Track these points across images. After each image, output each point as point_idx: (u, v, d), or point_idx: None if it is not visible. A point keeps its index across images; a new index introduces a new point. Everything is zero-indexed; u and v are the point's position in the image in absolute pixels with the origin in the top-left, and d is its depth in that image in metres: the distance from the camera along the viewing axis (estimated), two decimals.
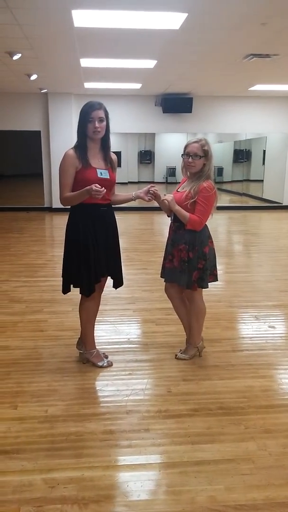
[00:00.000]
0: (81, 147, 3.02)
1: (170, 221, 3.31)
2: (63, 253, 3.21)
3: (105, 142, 3.10)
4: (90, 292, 3.16)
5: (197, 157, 3.06)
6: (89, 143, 3.04)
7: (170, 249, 3.28)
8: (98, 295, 3.33)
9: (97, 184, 2.82)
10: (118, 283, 3.30)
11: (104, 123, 2.99)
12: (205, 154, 3.07)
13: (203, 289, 3.31)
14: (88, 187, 2.84)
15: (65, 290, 3.27)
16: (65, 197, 3.02)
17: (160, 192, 3.14)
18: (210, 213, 3.14)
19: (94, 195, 2.82)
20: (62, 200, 3.04)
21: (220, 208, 3.25)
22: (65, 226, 3.18)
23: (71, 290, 3.26)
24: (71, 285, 3.25)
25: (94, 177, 2.97)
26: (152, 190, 3.08)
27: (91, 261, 3.08)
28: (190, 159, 3.08)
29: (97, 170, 3.01)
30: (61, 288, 3.28)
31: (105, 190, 2.87)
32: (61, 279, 3.27)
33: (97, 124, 2.94)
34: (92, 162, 3.02)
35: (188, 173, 3.18)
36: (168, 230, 3.38)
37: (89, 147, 3.04)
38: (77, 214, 3.10)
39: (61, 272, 3.26)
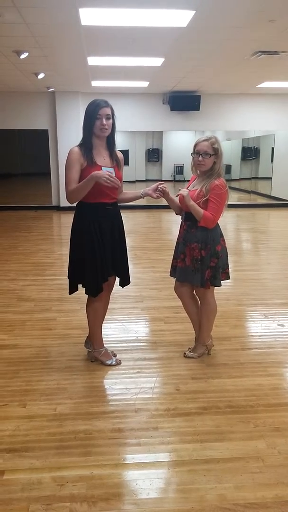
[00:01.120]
0: (86, 145, 3.00)
1: (181, 219, 3.30)
2: (69, 253, 3.21)
3: (110, 140, 3.09)
4: (98, 292, 3.15)
5: (207, 156, 3.05)
6: (95, 141, 3.02)
7: (182, 248, 3.26)
8: (106, 295, 3.33)
9: (109, 170, 2.79)
10: (125, 282, 3.30)
11: (111, 120, 2.98)
12: (215, 152, 3.05)
13: (214, 288, 3.30)
14: (95, 172, 2.79)
15: (72, 290, 3.26)
16: (70, 190, 2.95)
17: (168, 189, 3.13)
18: (222, 210, 3.13)
19: (106, 180, 2.77)
20: (68, 194, 2.97)
21: (229, 206, 3.24)
22: (71, 225, 3.17)
23: (78, 289, 3.26)
24: (78, 285, 3.24)
25: None
26: (160, 187, 3.08)
27: (97, 261, 3.07)
28: (200, 158, 3.06)
29: (102, 167, 3.00)
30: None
31: (118, 182, 2.84)
32: (67, 279, 3.27)
33: (104, 122, 2.94)
34: (97, 160, 3.00)
35: (198, 171, 3.18)
36: (177, 228, 3.37)
37: (94, 145, 3.02)
38: (83, 212, 3.09)
39: (67, 272, 3.25)
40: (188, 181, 3.40)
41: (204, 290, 3.26)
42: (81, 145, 3.01)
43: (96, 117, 2.93)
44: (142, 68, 7.91)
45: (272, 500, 2.06)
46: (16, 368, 3.30)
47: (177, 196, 3.14)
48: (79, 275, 3.17)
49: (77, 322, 4.12)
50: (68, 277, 3.26)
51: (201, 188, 3.08)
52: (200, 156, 3.05)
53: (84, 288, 3.20)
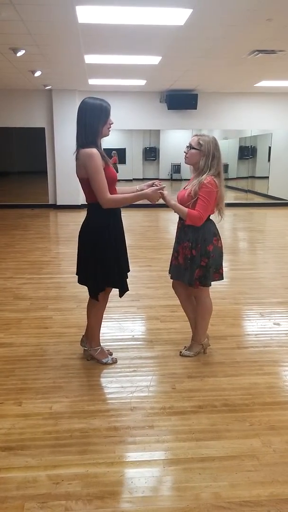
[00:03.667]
0: (97, 146, 2.92)
1: (177, 218, 3.31)
2: (82, 258, 3.11)
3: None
4: (125, 290, 3.18)
5: (189, 148, 3.10)
6: (99, 141, 2.99)
7: (176, 246, 3.29)
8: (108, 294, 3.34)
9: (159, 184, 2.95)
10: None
11: None
12: (199, 147, 3.06)
13: (208, 287, 3.30)
14: (149, 190, 3.00)
15: (99, 291, 3.15)
16: (112, 198, 2.91)
17: (166, 190, 3.13)
18: (212, 208, 3.13)
19: (156, 201, 2.98)
20: (107, 202, 2.90)
21: (225, 205, 3.25)
22: (83, 227, 3.09)
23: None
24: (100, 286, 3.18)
25: (114, 174, 2.99)
26: (156, 184, 3.09)
27: (122, 261, 3.11)
28: (185, 149, 3.15)
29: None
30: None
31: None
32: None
33: (112, 121, 2.97)
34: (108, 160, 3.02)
35: (192, 168, 3.20)
36: (174, 227, 3.38)
37: (99, 145, 2.99)
38: (103, 215, 2.99)
39: (87, 277, 3.13)
40: (187, 180, 3.41)
41: (199, 289, 3.26)
42: (94, 147, 2.90)
43: (108, 116, 2.92)
44: (139, 66, 7.90)
45: (267, 498, 2.06)
46: (12, 366, 3.30)
47: (158, 190, 3.09)
48: (105, 277, 3.09)
49: (73, 320, 4.11)
50: (89, 279, 3.13)
51: (191, 189, 3.09)
52: (186, 147, 3.13)
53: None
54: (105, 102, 2.94)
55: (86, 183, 2.94)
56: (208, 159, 3.07)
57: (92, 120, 2.90)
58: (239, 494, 2.08)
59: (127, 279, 3.27)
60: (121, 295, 3.19)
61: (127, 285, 3.20)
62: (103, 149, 3.03)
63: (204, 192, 3.04)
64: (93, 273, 3.07)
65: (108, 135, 3.02)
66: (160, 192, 3.06)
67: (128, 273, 3.28)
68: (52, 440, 2.47)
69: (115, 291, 3.32)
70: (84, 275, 3.16)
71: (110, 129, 2.98)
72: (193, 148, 3.08)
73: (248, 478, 2.19)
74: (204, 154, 3.07)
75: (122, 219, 3.21)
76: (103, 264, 3.04)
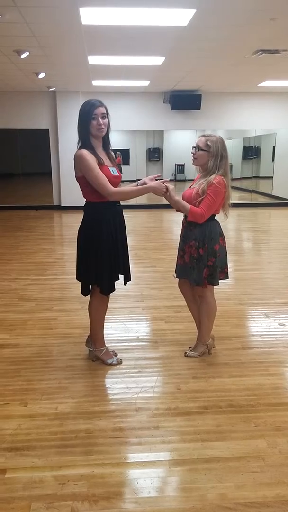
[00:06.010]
0: (89, 146, 2.97)
1: (182, 217, 3.31)
2: (79, 254, 3.16)
3: (106, 140, 3.09)
4: (111, 291, 3.17)
5: (197, 149, 3.10)
6: (93, 141, 3.01)
7: (182, 245, 3.31)
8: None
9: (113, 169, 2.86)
10: (127, 279, 3.30)
11: (106, 120, 2.98)
12: (208, 148, 3.06)
13: (214, 287, 3.30)
14: (154, 186, 2.99)
15: (87, 292, 3.24)
16: (115, 191, 2.94)
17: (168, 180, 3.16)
18: (216, 208, 3.13)
19: (163, 194, 3.00)
20: (112, 195, 2.94)
21: (230, 205, 3.26)
22: (80, 225, 3.13)
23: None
24: (90, 286, 3.23)
25: (109, 175, 2.97)
26: (159, 179, 3.12)
27: (114, 259, 3.09)
28: (192, 150, 3.14)
29: (109, 168, 3.01)
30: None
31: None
32: (74, 279, 3.24)
33: (101, 121, 2.93)
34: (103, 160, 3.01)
35: (200, 168, 3.20)
36: (178, 228, 3.38)
37: (94, 145, 3.01)
38: (98, 212, 3.05)
39: (77, 275, 3.22)
40: (192, 180, 3.42)
41: (203, 289, 3.26)
42: (85, 147, 2.96)
43: (92, 117, 2.92)
44: (143, 67, 7.91)
45: (273, 499, 2.06)
46: (18, 367, 3.31)
47: (163, 182, 3.11)
48: (93, 275, 3.13)
49: (78, 321, 4.12)
50: (81, 278, 3.21)
51: (199, 188, 3.09)
52: (194, 148, 3.13)
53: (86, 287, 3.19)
54: (87, 104, 2.95)
55: (82, 182, 3.01)
56: (217, 160, 3.08)
57: (80, 122, 2.99)
58: (245, 495, 2.08)
59: (129, 281, 3.29)
60: (106, 294, 3.18)
61: (113, 286, 3.18)
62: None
63: (212, 191, 3.05)
64: (85, 267, 3.13)
65: (99, 135, 3.00)
66: (166, 186, 3.06)
67: (127, 279, 3.28)
68: (57, 440, 2.48)
69: (117, 292, 3.32)
70: (79, 271, 3.21)
71: (100, 129, 2.96)
72: (201, 149, 3.08)
73: (254, 479, 2.18)
74: (213, 155, 3.08)
75: (126, 221, 3.22)
76: (95, 259, 3.06)
